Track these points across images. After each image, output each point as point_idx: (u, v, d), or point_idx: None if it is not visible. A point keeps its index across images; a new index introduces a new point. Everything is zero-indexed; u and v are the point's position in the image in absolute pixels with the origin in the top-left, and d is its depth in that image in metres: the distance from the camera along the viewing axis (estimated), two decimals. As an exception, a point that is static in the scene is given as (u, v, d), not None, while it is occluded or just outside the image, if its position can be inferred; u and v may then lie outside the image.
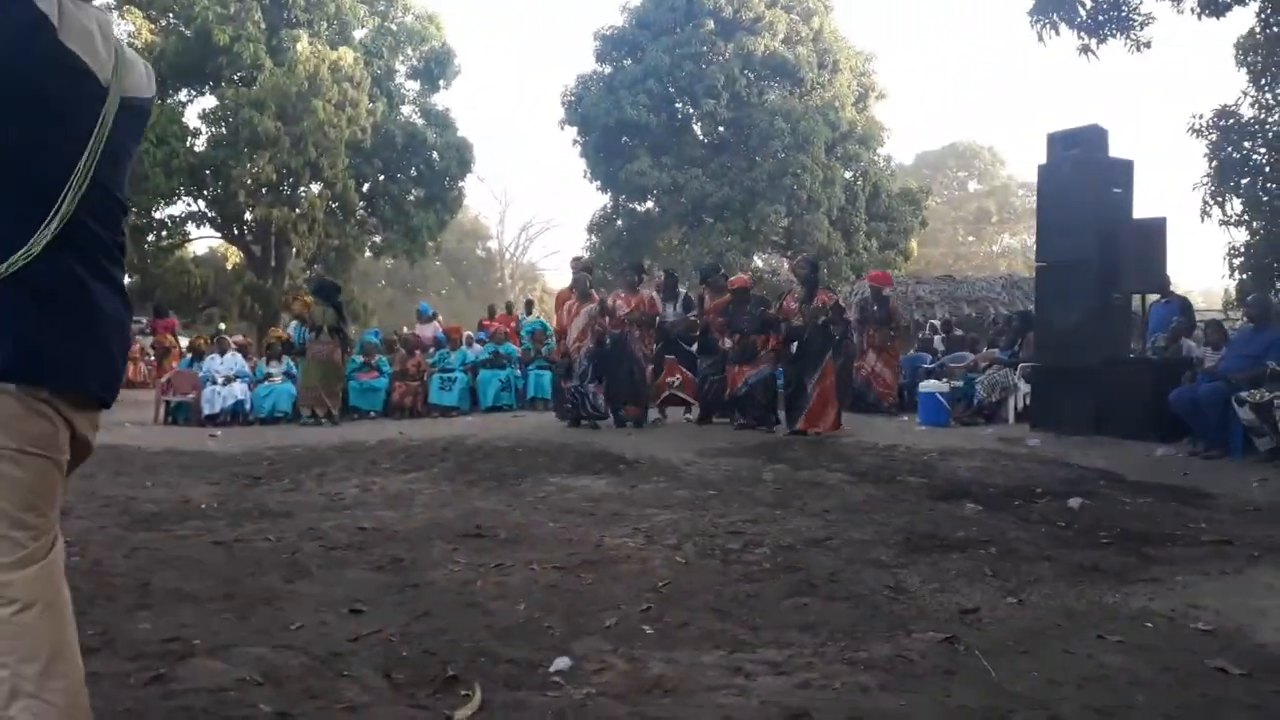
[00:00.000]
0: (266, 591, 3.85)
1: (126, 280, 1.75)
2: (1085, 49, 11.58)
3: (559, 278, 53.41)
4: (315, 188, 23.84)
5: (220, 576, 4.05)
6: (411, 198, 25.38)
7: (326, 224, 23.89)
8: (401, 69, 26.15)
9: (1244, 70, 15.45)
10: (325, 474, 7.24)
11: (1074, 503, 5.89)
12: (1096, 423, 9.03)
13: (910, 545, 4.77)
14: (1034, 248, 14.03)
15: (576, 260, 12.16)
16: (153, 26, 22.02)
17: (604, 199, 30.20)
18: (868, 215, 28.44)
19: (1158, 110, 77.16)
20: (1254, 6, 12.95)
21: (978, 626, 3.45)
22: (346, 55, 22.63)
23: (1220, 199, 15.47)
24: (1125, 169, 9.61)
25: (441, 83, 26.25)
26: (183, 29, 22.17)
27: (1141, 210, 9.70)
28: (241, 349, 14.05)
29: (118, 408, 2.54)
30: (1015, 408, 11.00)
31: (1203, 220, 15.27)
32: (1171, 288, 10.68)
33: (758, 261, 29.50)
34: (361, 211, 25.46)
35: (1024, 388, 10.90)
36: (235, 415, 12.47)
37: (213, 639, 3.19)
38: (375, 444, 8.96)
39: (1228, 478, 6.89)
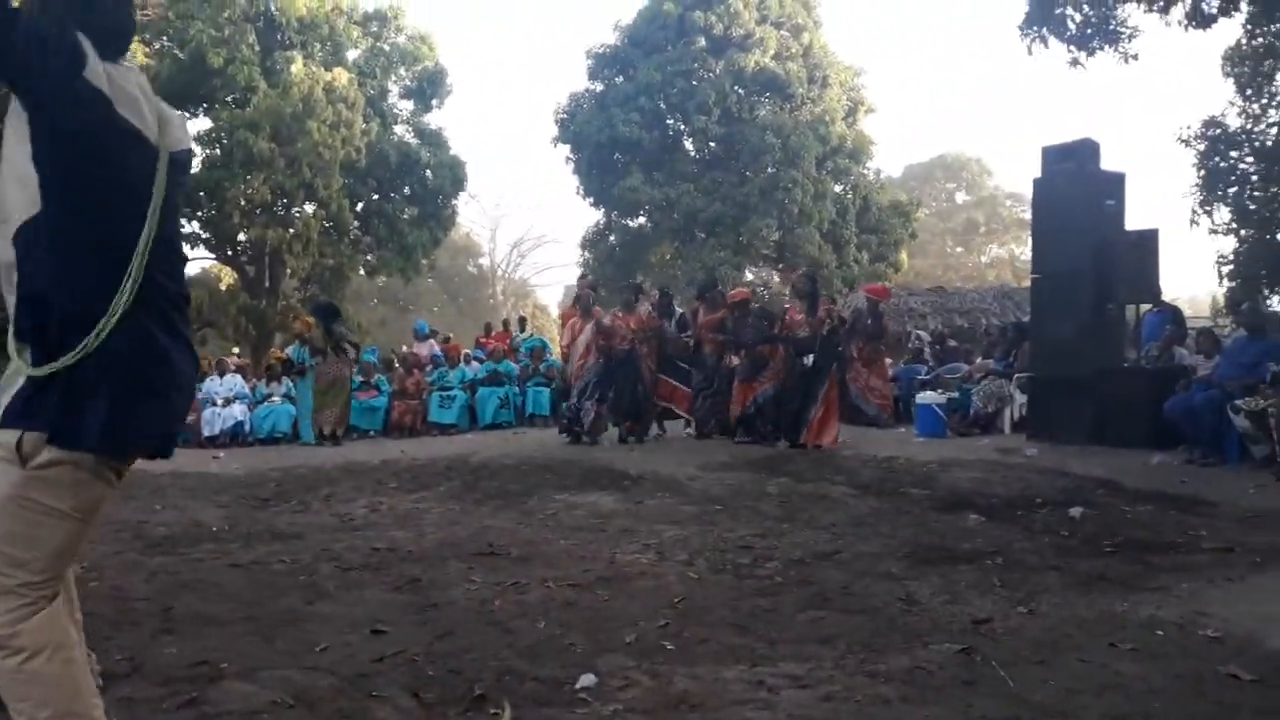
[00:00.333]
0: (288, 613, 3.89)
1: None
2: (1075, 61, 11.80)
3: (551, 293, 53.59)
4: (309, 208, 23.84)
5: (241, 599, 4.09)
6: (405, 216, 25.40)
7: (321, 244, 23.88)
8: (395, 89, 26.22)
9: (1231, 81, 15.69)
10: (333, 495, 7.28)
11: (1075, 512, 5.96)
12: (1092, 432, 9.12)
13: (918, 557, 4.84)
14: (1023, 258, 14.19)
15: (582, 279, 12.24)
16: (147, 50, 22.05)
17: (597, 215, 30.38)
18: (858, 228, 28.60)
19: (1145, 119, 77.77)
20: (1240, 18, 13.18)
21: (992, 637, 3.51)
22: (340, 76, 22.68)
23: (1208, 208, 15.70)
24: (1117, 181, 9.76)
25: (434, 102, 26.33)
26: (177, 52, 22.20)
27: (1131, 218, 9.86)
28: (240, 370, 14.08)
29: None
30: (1011, 418, 11.08)
31: (1191, 228, 15.53)
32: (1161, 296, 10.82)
33: (749, 275, 29.65)
34: (356, 231, 25.47)
35: (1020, 398, 10.98)
36: (235, 436, 12.50)
37: (240, 661, 3.24)
38: (379, 464, 9.00)
39: (1225, 485, 6.96)
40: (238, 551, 5.15)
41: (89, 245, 1.88)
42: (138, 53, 21.57)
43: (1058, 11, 11.61)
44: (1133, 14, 11.75)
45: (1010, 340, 12.06)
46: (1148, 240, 9.64)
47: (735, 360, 10.26)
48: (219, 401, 12.54)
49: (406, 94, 26.41)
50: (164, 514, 6.41)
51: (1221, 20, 12.31)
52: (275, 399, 12.85)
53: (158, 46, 22.61)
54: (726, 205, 26.84)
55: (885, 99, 65.03)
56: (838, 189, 28.65)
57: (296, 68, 22.12)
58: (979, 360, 12.89)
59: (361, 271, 27.99)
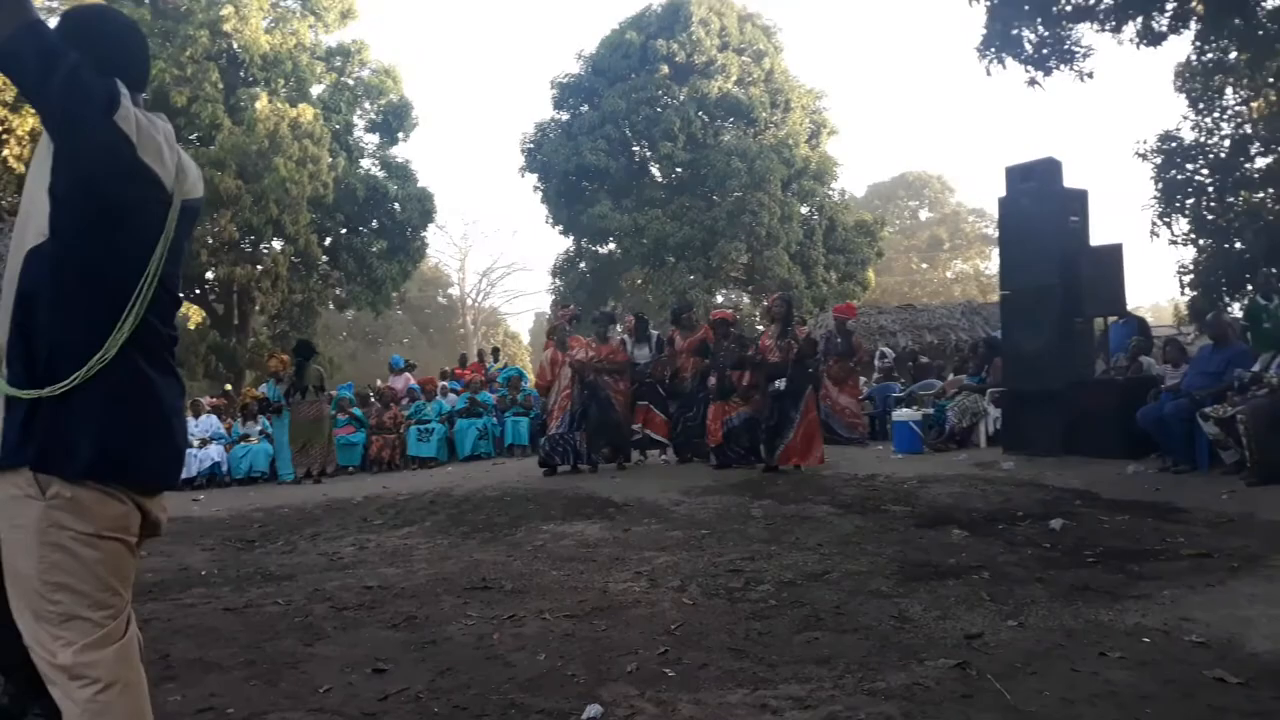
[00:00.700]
0: (288, 656, 3.89)
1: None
2: (1032, 82, 12.05)
3: (522, 321, 53.55)
4: (278, 244, 23.80)
5: (239, 643, 4.09)
6: (374, 250, 25.39)
7: (290, 279, 23.81)
8: (360, 123, 26.31)
9: (1183, 96, 16.10)
10: (319, 534, 7.25)
11: (1055, 524, 6.08)
12: (1066, 443, 9.29)
13: (906, 574, 4.92)
14: (987, 272, 14.42)
15: (564, 309, 12.23)
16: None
17: (566, 242, 30.55)
18: (825, 248, 28.93)
19: (1104, 134, 79.39)
20: (1189, 35, 13.54)
21: (985, 651, 3.59)
22: (306, 112, 22.72)
23: (1168, 219, 16.05)
24: (1080, 198, 9.98)
25: (400, 135, 26.44)
26: (139, 92, 22.23)
27: (1094, 231, 10.09)
28: (215, 410, 13.97)
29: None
30: (986, 432, 11.24)
31: (1152, 240, 15.91)
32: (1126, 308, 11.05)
33: (719, 298, 29.84)
34: (324, 265, 25.44)
35: (994, 412, 11.15)
36: (212, 478, 12.39)
37: (246, 707, 3.25)
38: (362, 500, 8.96)
39: (1198, 491, 7.12)
40: (229, 595, 5.13)
41: (91, 280, 1.92)
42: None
43: (1014, 33, 11.85)
44: (1086, 34, 12.01)
45: (982, 355, 12.24)
46: (1112, 254, 9.86)
47: (713, 381, 10.28)
48: (195, 443, 12.42)
49: (372, 127, 26.49)
50: (150, 560, 6.34)
51: (1171, 38, 12.62)
52: (252, 438, 12.77)
53: (120, 87, 22.49)
54: (695, 229, 27.06)
55: (847, 120, 66.22)
56: (804, 210, 29.00)
57: (261, 104, 22.13)
58: (951, 376, 13.06)
59: (331, 306, 27.90)
